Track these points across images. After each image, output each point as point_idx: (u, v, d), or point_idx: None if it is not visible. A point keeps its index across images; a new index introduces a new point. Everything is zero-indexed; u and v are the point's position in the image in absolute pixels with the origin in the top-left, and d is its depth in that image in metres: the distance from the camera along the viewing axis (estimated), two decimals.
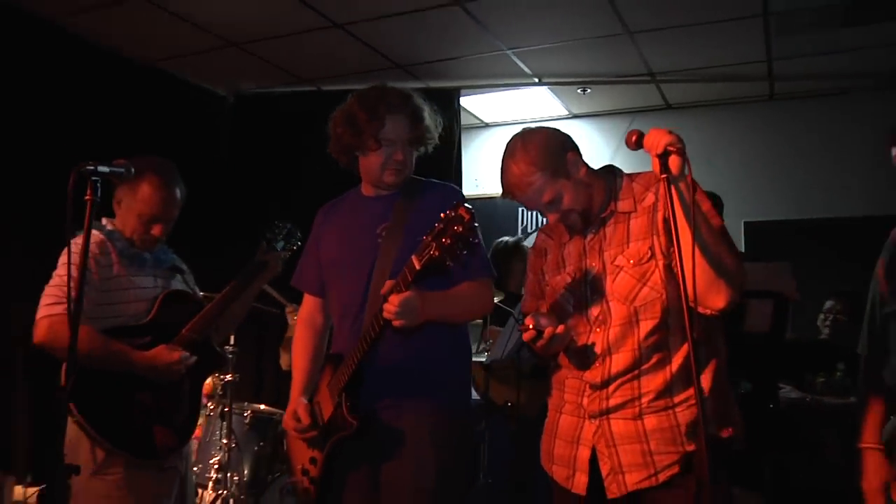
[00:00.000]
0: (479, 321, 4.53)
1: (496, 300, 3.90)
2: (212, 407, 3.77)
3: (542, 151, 2.03)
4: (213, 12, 4.15)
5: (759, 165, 5.41)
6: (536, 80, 5.15)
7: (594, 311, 2.04)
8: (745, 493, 3.41)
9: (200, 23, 4.27)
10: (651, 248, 1.98)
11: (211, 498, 3.56)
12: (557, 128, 2.15)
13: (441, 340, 2.35)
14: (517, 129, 5.49)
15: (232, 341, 3.66)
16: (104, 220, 2.69)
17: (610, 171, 2.15)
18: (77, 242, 2.55)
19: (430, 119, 2.49)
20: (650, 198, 2.02)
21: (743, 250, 5.35)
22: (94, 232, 2.64)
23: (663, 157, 1.78)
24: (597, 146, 5.87)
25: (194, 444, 3.96)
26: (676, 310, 1.95)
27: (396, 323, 2.12)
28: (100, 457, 2.47)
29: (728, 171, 5.38)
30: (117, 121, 4.47)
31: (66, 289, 2.43)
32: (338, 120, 2.45)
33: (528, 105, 5.78)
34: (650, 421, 1.97)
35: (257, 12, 4.15)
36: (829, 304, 4.53)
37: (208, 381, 4.08)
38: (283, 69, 4.98)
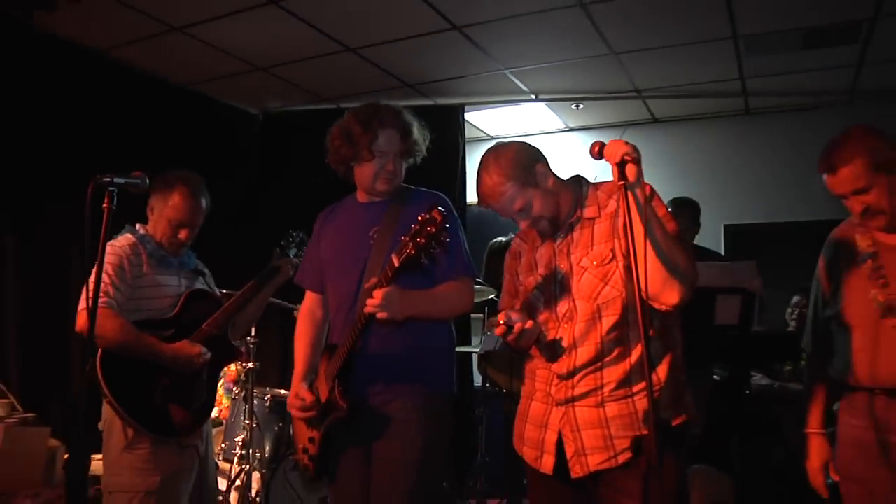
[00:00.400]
0: (479, 315, 4.59)
1: (492, 296, 3.95)
2: (237, 391, 3.86)
3: (512, 163, 2.06)
4: (239, 40, 4.24)
5: (737, 174, 5.42)
6: (533, 96, 5.17)
7: (562, 308, 2.06)
8: (716, 473, 3.40)
9: (228, 49, 4.36)
10: (612, 250, 2.01)
11: (236, 471, 3.66)
12: (528, 142, 2.18)
13: (426, 333, 2.39)
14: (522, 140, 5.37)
15: (253, 333, 3.74)
16: (138, 226, 2.81)
17: (577, 180, 2.18)
18: (113, 244, 2.69)
19: (419, 133, 2.53)
20: (612, 204, 2.05)
21: (723, 250, 5.36)
22: (128, 235, 2.77)
23: (621, 166, 1.79)
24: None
25: (223, 424, 4.11)
26: (635, 307, 1.90)
27: (379, 315, 2.17)
28: (130, 434, 2.59)
29: (709, 179, 5.40)
30: (157, 138, 4.57)
31: (104, 286, 2.58)
32: (335, 133, 2.50)
33: (529, 119, 5.81)
34: (611, 408, 2.00)
35: (277, 40, 4.23)
36: (795, 299, 4.53)
37: (234, 368, 4.19)
38: (305, 89, 5.06)
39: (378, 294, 2.15)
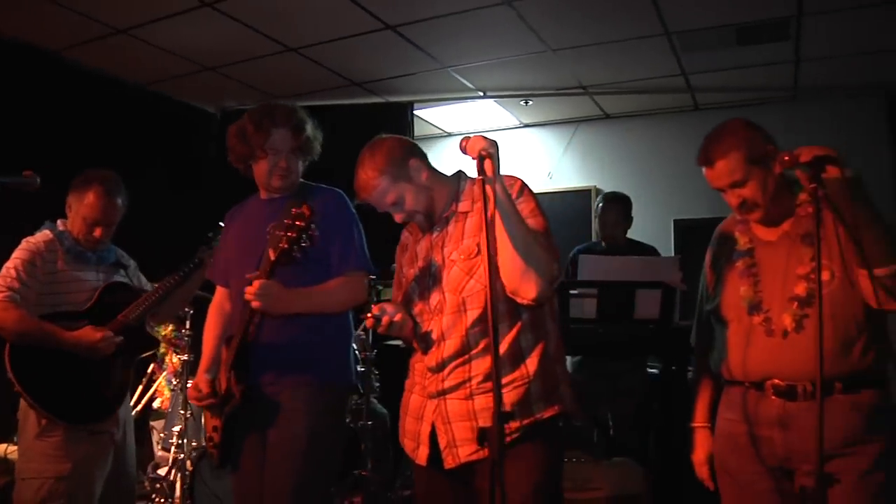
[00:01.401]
0: None
1: None
2: (175, 382, 3.98)
3: (385, 159, 2.13)
4: (181, 41, 4.36)
5: (686, 169, 5.35)
6: (481, 93, 5.26)
7: (434, 300, 2.11)
8: (629, 465, 3.46)
9: (174, 50, 4.48)
10: (479, 244, 2.04)
11: (171, 459, 3.78)
12: (404, 137, 2.25)
13: (318, 326, 2.44)
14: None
15: (188, 326, 3.86)
16: (59, 222, 2.91)
17: (457, 175, 2.24)
18: (29, 240, 2.81)
19: (312, 131, 2.58)
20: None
21: (672, 245, 5.43)
22: (47, 231, 2.89)
23: (480, 161, 1.84)
24: (547, 151, 6.00)
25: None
26: (501, 300, 2.01)
27: (254, 305, 2.26)
28: (43, 422, 2.69)
29: (659, 175, 5.46)
30: (117, 138, 4.71)
31: (9, 280, 2.70)
32: (232, 133, 2.58)
33: (483, 115, 5.90)
34: (479, 401, 2.03)
35: (218, 41, 4.34)
36: None
37: (175, 360, 4.30)
38: (258, 88, 5.17)
39: (254, 285, 2.25)
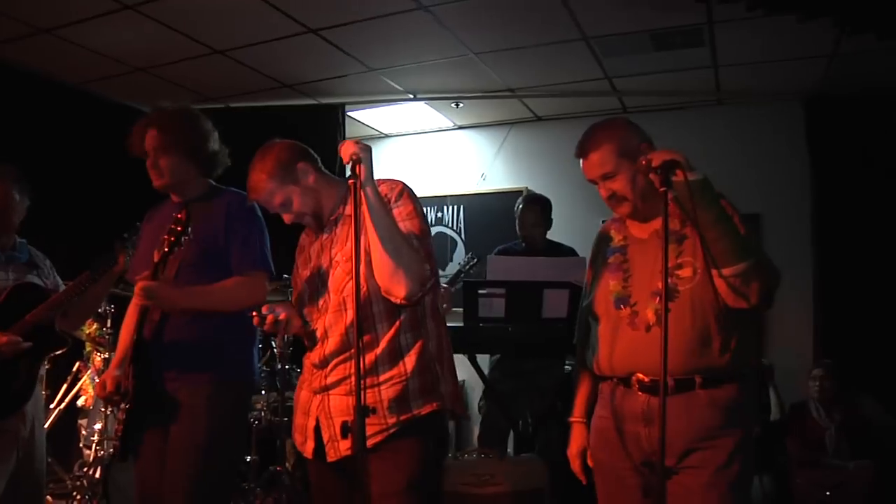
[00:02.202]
0: None
1: None
2: (98, 380, 4.06)
3: (273, 162, 2.23)
4: (107, 42, 4.44)
5: None
6: (411, 95, 5.39)
7: (320, 300, 2.22)
8: (529, 460, 3.59)
9: (100, 50, 4.56)
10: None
11: (92, 457, 3.87)
12: (295, 141, 2.34)
13: (219, 325, 2.53)
14: (412, 138, 5.83)
15: (109, 324, 3.96)
16: None
17: (346, 179, 2.31)
18: None
19: (179, 129, 2.64)
20: None
21: None
22: None
23: (352, 165, 1.96)
24: (480, 152, 6.15)
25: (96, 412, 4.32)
26: (380, 300, 2.12)
27: (140, 302, 2.39)
28: None
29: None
30: (48, 138, 4.78)
31: None
32: (129, 141, 2.71)
33: (417, 117, 6.02)
34: (355, 397, 2.07)
35: (145, 42, 4.43)
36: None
37: (98, 358, 4.39)
38: (190, 89, 5.26)
39: (138, 285, 2.37)
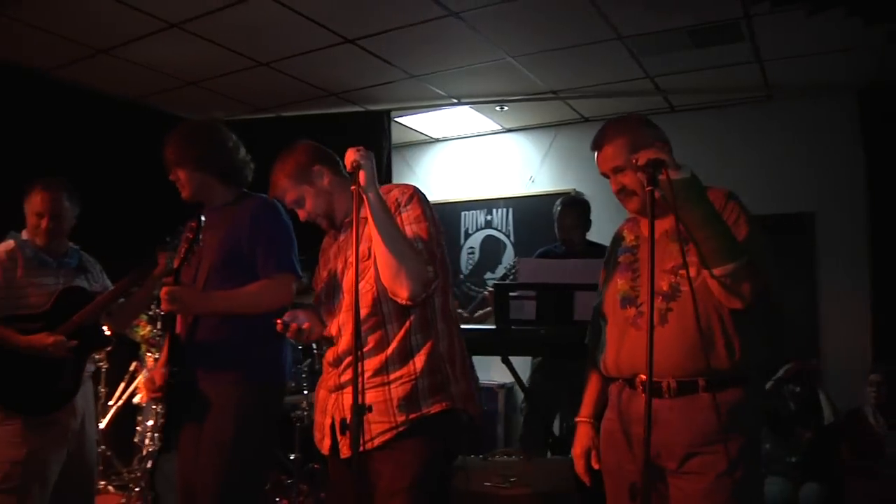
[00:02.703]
0: None
1: None
2: None
3: (291, 163, 2.39)
4: (158, 59, 4.71)
5: None
6: (455, 100, 5.48)
7: (336, 301, 2.33)
8: (567, 463, 3.61)
9: (154, 66, 4.84)
10: (370, 248, 2.19)
11: (145, 451, 4.13)
12: (317, 144, 2.46)
13: (248, 326, 2.63)
14: (460, 142, 5.92)
15: (159, 326, 4.20)
16: (23, 232, 3.27)
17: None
18: None
19: (200, 144, 2.78)
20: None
21: None
22: (10, 241, 3.24)
23: (354, 171, 2.06)
24: (528, 154, 6.20)
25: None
26: (389, 300, 2.19)
27: (164, 307, 2.52)
28: (2, 412, 3.06)
29: None
30: (112, 152, 5.11)
31: None
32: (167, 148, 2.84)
33: (464, 121, 6.11)
34: (370, 395, 2.18)
35: (192, 57, 4.68)
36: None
37: (151, 359, 4.65)
38: (241, 100, 5.52)
39: (163, 291, 2.51)
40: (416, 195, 2.30)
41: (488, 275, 6.29)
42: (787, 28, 4.16)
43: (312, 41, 4.41)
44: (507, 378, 5.16)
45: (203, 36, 4.31)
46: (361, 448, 2.15)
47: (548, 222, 5.72)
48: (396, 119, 5.93)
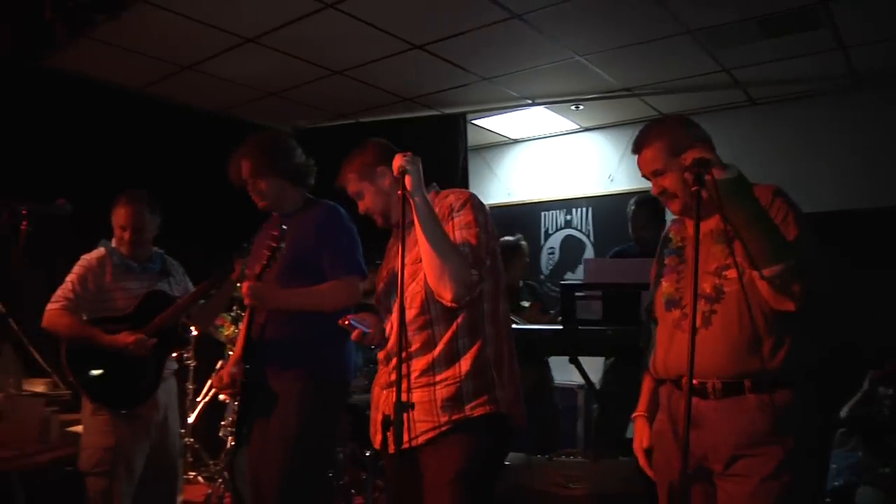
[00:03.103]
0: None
1: None
2: None
3: (358, 159, 2.51)
4: (239, 72, 4.99)
5: (744, 168, 5.37)
6: (529, 101, 5.51)
7: (392, 299, 2.40)
8: (629, 465, 3.58)
9: (235, 79, 5.14)
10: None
11: (229, 446, 4.38)
12: (388, 144, 2.54)
13: (315, 325, 2.77)
14: (539, 143, 5.91)
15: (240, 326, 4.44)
16: (113, 240, 3.56)
17: (428, 187, 2.48)
18: (84, 257, 3.47)
19: (273, 153, 2.97)
20: (441, 211, 2.36)
21: None
22: (101, 249, 3.52)
23: (400, 176, 2.17)
24: (607, 153, 6.15)
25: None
26: (437, 302, 2.26)
27: (246, 302, 2.74)
28: (93, 405, 3.33)
29: None
30: (201, 162, 5.33)
31: (66, 291, 3.36)
32: (234, 162, 3.05)
33: (541, 121, 6.12)
34: (416, 394, 2.27)
35: (270, 69, 4.92)
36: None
37: None
38: (321, 108, 5.74)
39: (244, 286, 2.72)
40: (470, 201, 2.36)
41: (569, 275, 6.28)
42: (868, 10, 3.98)
43: (381, 49, 4.56)
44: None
45: (277, 48, 4.54)
46: (407, 445, 2.23)
47: (627, 221, 5.71)
48: (474, 121, 6.01)
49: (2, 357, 4.38)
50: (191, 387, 4.89)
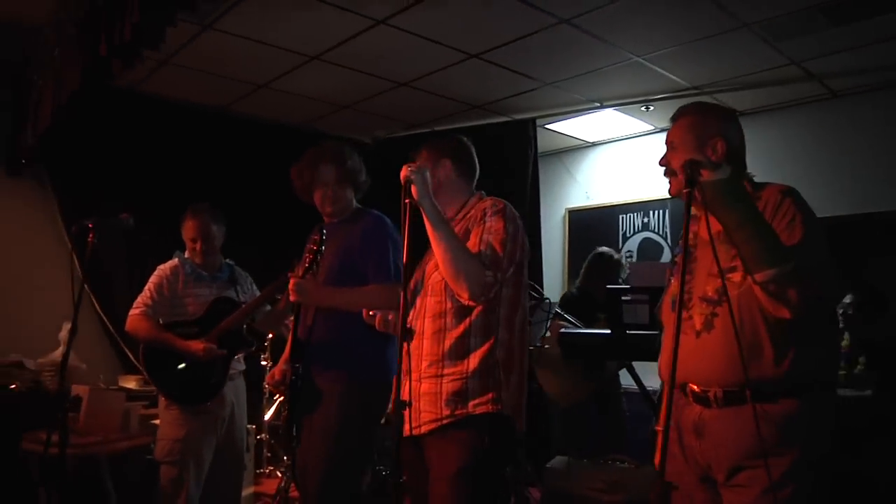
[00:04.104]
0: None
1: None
2: None
3: (425, 148, 2.70)
4: (310, 88, 5.33)
5: (827, 164, 5.16)
6: (598, 104, 5.53)
7: (417, 295, 2.58)
8: None
9: (309, 95, 5.47)
10: None
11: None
12: (461, 141, 2.72)
13: (354, 329, 2.89)
14: (616, 145, 6.44)
15: None
16: (186, 252, 3.94)
17: (475, 193, 2.69)
18: (160, 267, 3.87)
19: (353, 162, 3.24)
20: (472, 214, 2.56)
21: None
22: (175, 259, 3.92)
23: (406, 186, 2.37)
24: None
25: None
26: (454, 298, 2.39)
27: (291, 298, 2.99)
28: (166, 401, 3.71)
29: (796, 171, 5.23)
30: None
31: (145, 297, 3.76)
32: (293, 173, 3.32)
33: (613, 124, 6.12)
34: (424, 385, 2.43)
35: (338, 84, 5.22)
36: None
37: None
38: (394, 119, 6.01)
39: (291, 282, 2.99)
40: (503, 210, 2.47)
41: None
42: None
43: (438, 60, 4.73)
44: (655, 383, 5.12)
45: (341, 64, 4.81)
46: (412, 432, 2.43)
47: None
48: (548, 126, 6.09)
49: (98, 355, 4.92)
50: (267, 386, 5.25)
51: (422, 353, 2.47)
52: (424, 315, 2.50)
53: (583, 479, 3.57)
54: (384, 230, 3.10)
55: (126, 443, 4.01)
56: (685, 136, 2.14)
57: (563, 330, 4.00)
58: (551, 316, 4.82)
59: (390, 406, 2.92)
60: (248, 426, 4.20)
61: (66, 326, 4.24)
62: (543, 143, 6.26)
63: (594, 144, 6.72)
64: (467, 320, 2.41)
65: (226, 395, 3.81)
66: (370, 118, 5.96)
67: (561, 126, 6.19)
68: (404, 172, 2.36)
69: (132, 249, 5.23)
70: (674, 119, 2.23)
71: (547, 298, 4.57)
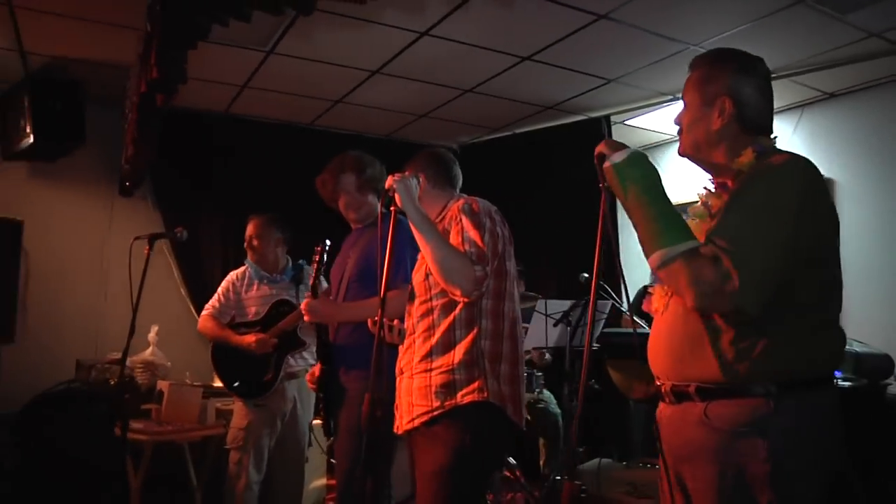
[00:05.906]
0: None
1: None
2: None
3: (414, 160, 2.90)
4: (384, 100, 5.63)
5: None
6: (670, 96, 5.40)
7: (413, 299, 2.74)
8: None
9: (384, 107, 5.79)
10: None
11: None
12: (445, 155, 2.93)
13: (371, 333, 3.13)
14: None
15: None
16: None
17: (454, 194, 2.85)
18: (231, 273, 4.33)
19: (374, 170, 3.46)
20: (447, 216, 2.70)
21: None
22: (244, 265, 4.37)
23: (390, 196, 2.61)
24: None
25: None
26: (440, 295, 2.55)
27: (306, 319, 3.29)
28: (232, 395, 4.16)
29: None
30: None
31: (213, 300, 4.23)
32: (318, 182, 3.58)
33: None
34: (416, 380, 2.57)
35: (407, 95, 5.48)
36: None
37: None
38: (474, 124, 6.18)
39: (303, 303, 3.29)
40: (473, 209, 2.60)
41: None
42: None
43: (492, 65, 4.84)
44: None
45: (401, 75, 5.04)
46: (402, 428, 2.63)
47: None
48: (626, 122, 6.01)
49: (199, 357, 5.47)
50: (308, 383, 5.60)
51: (414, 350, 2.62)
52: (413, 315, 2.67)
53: (613, 481, 3.59)
54: (401, 234, 3.27)
55: (201, 432, 4.50)
56: (692, 95, 2.00)
57: (604, 330, 4.02)
58: (626, 313, 4.81)
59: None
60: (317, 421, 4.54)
61: (155, 329, 4.83)
62: (626, 139, 6.14)
63: (675, 140, 6.48)
64: (452, 315, 2.54)
65: (286, 391, 4.17)
66: (451, 125, 6.17)
67: (637, 121, 6.08)
68: (388, 182, 2.56)
69: (230, 257, 5.78)
70: (689, 69, 2.07)
71: (537, 295, 4.67)
